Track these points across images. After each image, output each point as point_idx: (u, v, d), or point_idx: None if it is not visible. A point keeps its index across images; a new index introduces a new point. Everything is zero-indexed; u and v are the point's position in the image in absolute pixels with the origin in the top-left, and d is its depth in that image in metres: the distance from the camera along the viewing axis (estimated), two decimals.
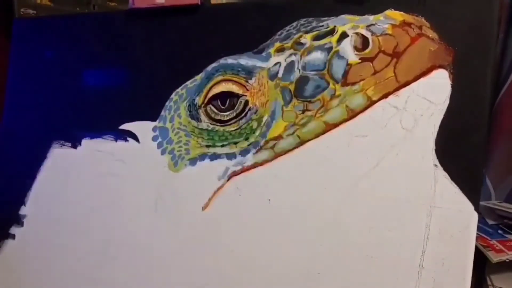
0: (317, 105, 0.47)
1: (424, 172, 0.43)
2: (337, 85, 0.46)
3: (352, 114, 0.46)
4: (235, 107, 0.51)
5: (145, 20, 0.60)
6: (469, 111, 0.42)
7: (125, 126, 0.58)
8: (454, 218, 0.41)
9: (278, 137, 0.49)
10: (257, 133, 0.50)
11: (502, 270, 0.54)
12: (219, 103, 0.52)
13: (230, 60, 0.52)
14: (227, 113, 0.51)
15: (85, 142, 0.61)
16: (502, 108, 0.74)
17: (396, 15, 0.45)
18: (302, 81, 0.48)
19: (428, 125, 0.43)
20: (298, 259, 0.46)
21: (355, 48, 0.45)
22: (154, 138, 0.56)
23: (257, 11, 0.54)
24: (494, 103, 0.74)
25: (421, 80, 0.44)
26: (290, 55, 0.49)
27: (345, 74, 0.46)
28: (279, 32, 0.51)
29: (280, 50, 0.50)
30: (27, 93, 0.67)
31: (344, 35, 0.46)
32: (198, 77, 0.55)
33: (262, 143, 0.49)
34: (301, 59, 0.48)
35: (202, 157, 0.53)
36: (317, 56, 0.47)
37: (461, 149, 0.42)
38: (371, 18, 0.46)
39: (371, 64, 0.45)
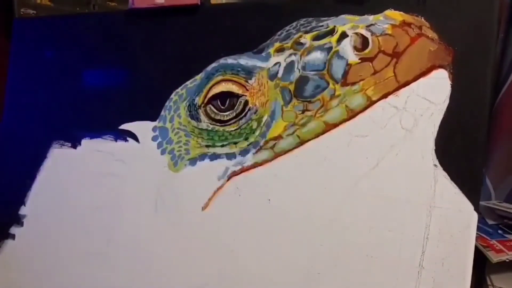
0: (317, 105, 0.47)
1: (424, 172, 0.43)
2: (337, 85, 0.46)
3: (352, 114, 0.45)
4: (235, 107, 0.51)
5: (145, 20, 0.60)
6: (469, 111, 0.42)
7: (125, 126, 0.58)
8: (454, 218, 0.41)
9: (278, 137, 0.49)
10: (257, 133, 0.50)
11: (502, 270, 0.54)
12: (219, 103, 0.52)
13: (230, 60, 0.52)
14: (227, 113, 0.51)
15: (85, 142, 0.61)
16: (502, 108, 0.74)
17: (396, 15, 0.45)
18: (302, 81, 0.48)
19: (428, 125, 0.43)
20: (298, 259, 0.46)
21: (355, 48, 0.45)
22: (154, 138, 0.56)
23: (257, 11, 0.54)
24: (494, 103, 0.74)
25: (421, 80, 0.44)
26: (290, 55, 0.49)
27: (345, 74, 0.46)
28: (279, 32, 0.51)
29: (280, 50, 0.50)
30: (27, 93, 0.68)
31: (344, 35, 0.46)
32: (198, 77, 0.55)
33: (262, 143, 0.49)
34: (301, 59, 0.48)
35: (202, 157, 0.53)
36: (317, 56, 0.47)
37: (461, 149, 0.42)
38: (371, 18, 0.46)
39: (371, 64, 0.45)
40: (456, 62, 0.43)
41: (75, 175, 0.61)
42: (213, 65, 0.53)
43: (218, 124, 0.52)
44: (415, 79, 0.44)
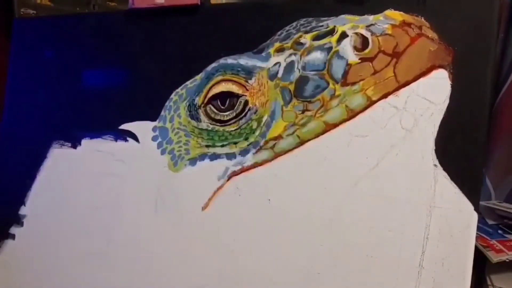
0: (317, 105, 0.47)
1: (424, 172, 0.43)
2: (337, 85, 0.46)
3: (352, 114, 0.45)
4: (235, 107, 0.51)
5: (145, 20, 0.60)
6: (469, 111, 0.42)
7: (125, 126, 0.58)
8: (454, 218, 0.41)
9: (278, 137, 0.49)
10: (257, 133, 0.50)
11: (502, 270, 0.54)
12: (219, 103, 0.52)
13: (230, 60, 0.52)
14: (227, 113, 0.51)
15: (85, 142, 0.61)
16: (502, 108, 0.74)
17: (396, 15, 0.45)
18: (302, 81, 0.48)
19: (428, 125, 0.43)
20: (298, 259, 0.46)
21: (355, 48, 0.45)
22: (154, 138, 0.56)
23: (257, 11, 0.54)
24: (494, 103, 0.74)
25: (421, 80, 0.44)
26: (290, 55, 0.49)
27: (345, 74, 0.46)
28: (279, 32, 0.51)
29: (280, 50, 0.50)
30: (27, 93, 0.68)
31: (344, 35, 0.46)
32: (198, 77, 0.55)
33: (262, 143, 0.49)
34: (301, 59, 0.48)
35: (202, 157, 0.53)
36: (317, 56, 0.47)
37: (461, 149, 0.42)
38: (371, 18, 0.46)
39: (371, 64, 0.45)
40: (456, 62, 0.43)
41: (75, 175, 0.61)
42: (213, 65, 0.53)
43: (218, 124, 0.52)
44: (415, 79, 0.44)
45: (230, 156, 0.51)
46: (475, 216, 0.41)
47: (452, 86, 0.43)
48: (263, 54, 0.51)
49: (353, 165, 0.45)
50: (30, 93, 0.67)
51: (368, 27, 0.46)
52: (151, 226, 0.54)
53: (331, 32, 0.47)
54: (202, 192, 0.52)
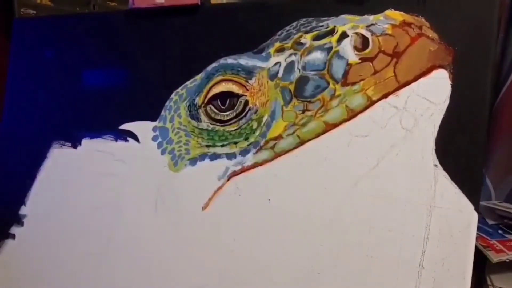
0: (317, 105, 0.47)
1: (424, 172, 0.43)
2: (337, 85, 0.46)
3: (352, 114, 0.45)
4: (235, 107, 0.51)
5: (145, 20, 0.60)
6: (469, 111, 0.42)
7: (125, 126, 0.58)
8: (454, 218, 0.41)
9: (278, 137, 0.49)
10: (257, 133, 0.50)
11: (502, 270, 0.54)
12: (219, 103, 0.52)
13: (230, 60, 0.52)
14: (227, 113, 0.51)
15: (85, 142, 0.61)
16: (502, 108, 0.74)
17: (396, 15, 0.45)
18: (302, 81, 0.48)
19: (428, 125, 0.43)
20: (298, 259, 0.46)
21: (355, 48, 0.45)
22: (154, 138, 0.56)
23: (257, 11, 0.54)
24: (494, 103, 0.75)
25: (421, 80, 0.44)
26: (290, 55, 0.49)
27: (345, 74, 0.46)
28: (279, 32, 0.51)
29: (280, 50, 0.50)
30: (27, 93, 0.68)
31: (344, 35, 0.46)
32: (198, 77, 0.55)
33: (262, 143, 0.49)
34: (301, 59, 0.48)
35: (202, 157, 0.53)
36: (317, 56, 0.47)
37: (461, 149, 0.42)
38: (371, 18, 0.46)
39: (371, 64, 0.45)
40: (456, 62, 0.43)
41: (75, 175, 0.61)
42: (213, 65, 0.53)
43: (218, 124, 0.52)
44: (415, 79, 0.44)
45: (230, 156, 0.51)
46: (475, 216, 0.41)
47: (452, 86, 0.43)
48: (263, 54, 0.51)
49: (353, 165, 0.45)
50: (30, 93, 0.67)
51: (368, 27, 0.46)
52: (151, 226, 0.54)
53: (331, 32, 0.47)
54: (202, 192, 0.52)
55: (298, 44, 0.49)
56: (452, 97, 0.42)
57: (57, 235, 0.60)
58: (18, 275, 0.62)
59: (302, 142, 0.47)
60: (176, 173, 0.54)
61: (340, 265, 0.45)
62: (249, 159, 0.50)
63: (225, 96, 0.52)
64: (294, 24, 0.50)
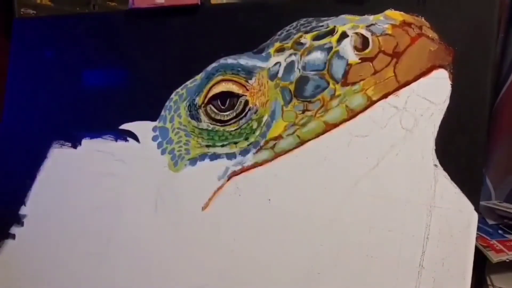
0: (317, 105, 0.47)
1: (424, 172, 0.43)
2: (337, 85, 0.46)
3: (352, 114, 0.45)
4: (235, 107, 0.51)
5: (145, 20, 0.60)
6: (469, 111, 0.42)
7: (125, 126, 0.58)
8: (454, 218, 0.41)
9: (278, 137, 0.49)
10: (257, 133, 0.50)
11: (502, 270, 0.54)
12: (219, 103, 0.52)
13: (230, 60, 0.52)
14: (227, 113, 0.51)
15: (85, 142, 0.61)
16: (502, 108, 0.74)
17: (396, 15, 0.45)
18: (302, 81, 0.48)
19: (428, 125, 0.43)
20: (298, 259, 0.46)
21: (355, 48, 0.45)
22: (154, 138, 0.56)
23: (257, 11, 0.54)
24: (494, 103, 0.75)
25: (421, 80, 0.44)
26: (290, 55, 0.49)
27: (345, 74, 0.46)
28: (279, 32, 0.51)
29: (280, 50, 0.50)
30: (27, 93, 0.68)
31: (344, 35, 0.46)
32: (198, 77, 0.55)
33: (262, 143, 0.49)
34: (301, 59, 0.48)
35: (202, 157, 0.53)
36: (317, 56, 0.47)
37: (461, 149, 0.42)
38: (371, 18, 0.46)
39: (371, 64, 0.45)
40: (456, 62, 0.43)
41: (75, 175, 0.61)
42: (213, 65, 0.53)
43: (218, 124, 0.52)
44: (415, 79, 0.44)
45: (230, 156, 0.51)
46: (475, 216, 0.41)
47: (452, 86, 0.43)
48: (263, 54, 0.51)
49: (353, 165, 0.45)
50: (30, 93, 0.67)
51: (368, 27, 0.46)
52: (151, 226, 0.54)
53: (331, 32, 0.47)
54: (202, 192, 0.52)
55: (298, 44, 0.49)
56: (452, 97, 0.42)
57: (57, 235, 0.60)
58: (18, 275, 0.62)
59: (302, 142, 0.47)
60: (176, 173, 0.54)
61: (340, 265, 0.45)
62: (249, 159, 0.50)
63: (225, 96, 0.52)
64: (294, 24, 0.50)
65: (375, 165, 0.44)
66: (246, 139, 0.50)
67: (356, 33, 0.46)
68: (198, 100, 0.53)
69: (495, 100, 0.75)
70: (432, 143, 0.43)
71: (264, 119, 0.50)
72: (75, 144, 0.62)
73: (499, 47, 0.73)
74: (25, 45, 0.69)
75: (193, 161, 0.53)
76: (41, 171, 0.63)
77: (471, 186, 0.41)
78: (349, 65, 0.46)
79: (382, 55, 0.44)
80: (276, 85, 0.49)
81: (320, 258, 0.45)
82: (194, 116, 0.54)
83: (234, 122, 0.51)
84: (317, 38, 0.48)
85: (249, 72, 0.51)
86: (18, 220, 0.63)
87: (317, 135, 0.47)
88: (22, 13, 0.89)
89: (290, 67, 0.49)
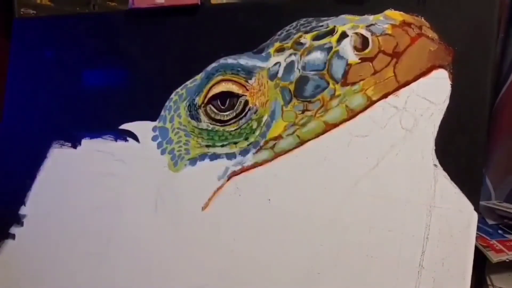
0: (317, 105, 0.47)
1: (424, 172, 0.43)
2: (337, 85, 0.46)
3: (352, 114, 0.45)
4: (235, 107, 0.51)
5: (145, 20, 0.60)
6: (469, 111, 0.42)
7: (125, 126, 0.58)
8: (454, 218, 0.41)
9: (278, 137, 0.49)
10: (257, 133, 0.50)
11: (502, 270, 0.54)
12: (219, 103, 0.52)
13: (230, 60, 0.52)
14: (227, 113, 0.51)
15: (85, 142, 0.61)
16: (502, 108, 0.74)
17: (396, 15, 0.45)
18: (302, 81, 0.48)
19: (428, 125, 0.43)
20: (298, 259, 0.46)
21: (355, 48, 0.45)
22: (154, 138, 0.56)
23: (257, 11, 0.54)
24: (494, 103, 0.75)
25: (421, 80, 0.44)
26: (290, 55, 0.49)
27: (345, 74, 0.46)
28: (279, 32, 0.51)
29: (280, 50, 0.50)
30: (27, 93, 0.68)
31: (344, 35, 0.46)
32: (198, 77, 0.55)
33: (262, 143, 0.49)
34: (301, 59, 0.48)
35: (202, 157, 0.53)
36: (317, 56, 0.47)
37: (461, 149, 0.42)
38: (371, 18, 0.46)
39: (371, 64, 0.45)
40: (456, 62, 0.43)
41: (75, 175, 0.61)
42: (213, 65, 0.53)
43: (218, 124, 0.52)
44: (415, 79, 0.44)
45: (230, 156, 0.51)
46: (475, 216, 0.41)
47: (452, 86, 0.43)
48: (263, 54, 0.51)
49: (353, 165, 0.45)
50: (30, 93, 0.67)
51: (368, 27, 0.46)
52: (151, 226, 0.54)
53: (331, 32, 0.47)
54: (202, 192, 0.52)
55: (298, 44, 0.49)
56: (452, 97, 0.42)
57: (57, 235, 0.60)
58: (18, 275, 0.62)
59: (302, 142, 0.47)
60: (176, 173, 0.54)
61: (340, 265, 0.45)
62: (249, 159, 0.50)
63: (225, 96, 0.52)
64: (294, 24, 0.50)
65: (375, 165, 0.44)
66: (246, 139, 0.50)
67: (356, 33, 0.46)
68: (198, 100, 0.54)
69: (495, 100, 0.75)
70: (432, 143, 0.43)
71: (264, 119, 0.50)
72: (75, 144, 0.62)
73: (499, 47, 0.73)
74: (25, 45, 0.69)
75: (193, 161, 0.53)
76: (41, 171, 0.63)
77: (471, 186, 0.41)
78: (349, 65, 0.46)
79: (382, 55, 0.44)
80: (276, 85, 0.49)
81: (320, 258, 0.45)
82: (194, 116, 0.54)
83: (234, 122, 0.51)
84: (317, 38, 0.48)
85: (249, 72, 0.51)
86: (18, 220, 0.63)
87: (317, 135, 0.47)
88: (22, 13, 0.89)
89: (290, 67, 0.49)
